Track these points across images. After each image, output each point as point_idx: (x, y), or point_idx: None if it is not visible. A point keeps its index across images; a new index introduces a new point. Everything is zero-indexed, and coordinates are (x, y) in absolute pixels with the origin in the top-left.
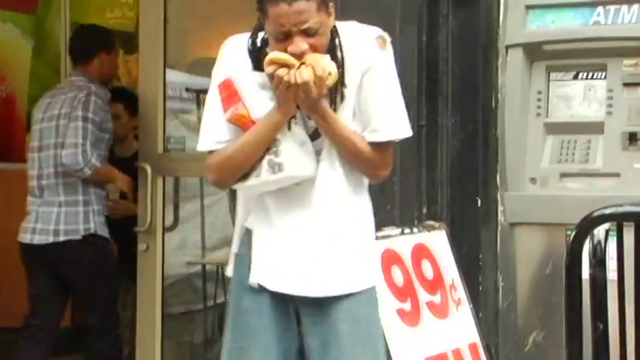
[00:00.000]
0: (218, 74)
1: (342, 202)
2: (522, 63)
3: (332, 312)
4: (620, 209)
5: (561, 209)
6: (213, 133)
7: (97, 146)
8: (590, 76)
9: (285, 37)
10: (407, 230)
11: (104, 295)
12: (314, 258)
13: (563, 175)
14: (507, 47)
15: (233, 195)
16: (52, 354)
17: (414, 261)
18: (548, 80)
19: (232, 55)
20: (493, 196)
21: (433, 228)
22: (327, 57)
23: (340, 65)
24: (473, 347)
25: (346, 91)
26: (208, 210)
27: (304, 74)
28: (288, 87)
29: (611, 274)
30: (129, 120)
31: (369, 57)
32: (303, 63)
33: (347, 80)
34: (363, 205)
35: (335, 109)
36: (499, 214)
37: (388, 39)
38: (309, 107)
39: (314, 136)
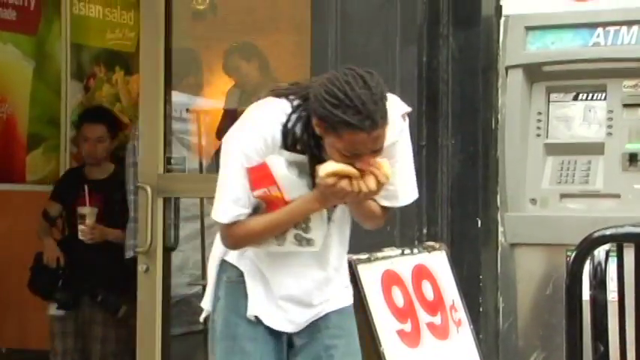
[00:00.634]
0: (245, 146)
1: (338, 253)
2: (522, 84)
3: (322, 329)
4: (620, 230)
5: (561, 230)
6: (236, 207)
7: None
8: (590, 97)
9: (355, 156)
10: (407, 251)
11: None
12: (310, 297)
13: (564, 195)
14: (507, 68)
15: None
16: None
17: (414, 282)
18: (548, 101)
19: (263, 131)
20: (493, 216)
21: (433, 249)
22: (386, 161)
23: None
24: None
25: None
26: (208, 231)
27: (371, 185)
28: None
29: (612, 294)
30: (111, 142)
31: (397, 132)
32: (363, 171)
33: None
34: (346, 236)
35: None
36: (499, 234)
37: (409, 111)
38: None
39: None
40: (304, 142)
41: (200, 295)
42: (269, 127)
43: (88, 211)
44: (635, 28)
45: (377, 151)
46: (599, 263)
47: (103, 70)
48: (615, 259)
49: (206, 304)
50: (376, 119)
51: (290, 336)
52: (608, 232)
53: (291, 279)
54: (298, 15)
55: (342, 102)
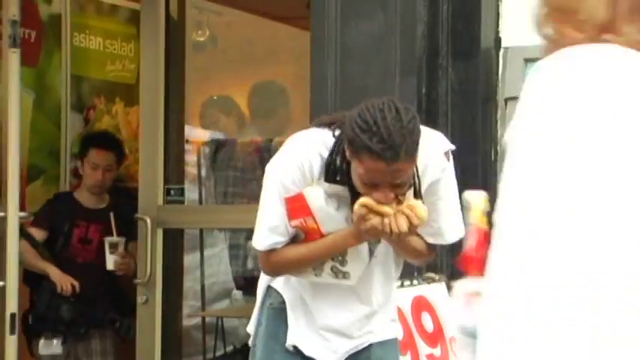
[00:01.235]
0: (282, 175)
1: (382, 288)
2: None
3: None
4: None
5: None
6: (273, 236)
7: None
8: None
9: (373, 185)
10: (407, 282)
11: None
12: (351, 329)
13: None
14: (507, 100)
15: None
16: None
17: (414, 313)
18: None
19: (300, 161)
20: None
21: (433, 280)
22: (420, 203)
23: (416, 176)
24: None
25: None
26: (208, 262)
27: (402, 226)
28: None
29: None
30: (116, 171)
31: (439, 170)
32: (398, 210)
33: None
34: (396, 272)
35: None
36: None
37: (452, 150)
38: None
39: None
40: (344, 172)
41: (199, 327)
42: (307, 157)
43: (119, 241)
44: None
45: (397, 185)
46: None
47: (103, 102)
48: None
49: (250, 328)
50: (399, 152)
51: None
52: None
53: (332, 309)
54: (298, 47)
55: (370, 127)
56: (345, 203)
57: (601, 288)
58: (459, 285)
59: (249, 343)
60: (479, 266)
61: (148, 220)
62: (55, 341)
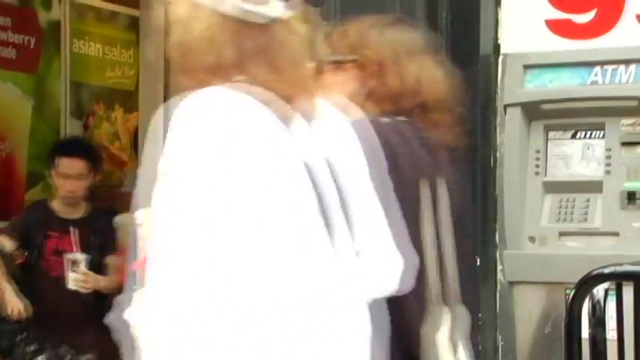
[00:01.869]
0: None
1: None
2: (521, 122)
3: None
4: (619, 269)
5: (560, 268)
6: None
7: None
8: (588, 135)
9: None
10: None
11: None
12: None
13: (562, 234)
14: (506, 106)
15: None
16: None
17: None
18: (547, 139)
19: None
20: (492, 254)
21: None
22: None
23: None
24: None
25: None
26: None
27: None
28: None
29: (611, 333)
30: (93, 179)
31: None
32: None
33: None
34: None
35: None
36: (498, 273)
37: None
38: None
39: None
40: None
41: None
42: None
43: (81, 258)
44: (632, 66)
45: None
46: (598, 302)
47: (102, 108)
48: (614, 297)
49: None
50: None
51: None
52: (606, 270)
53: None
54: None
55: None
56: None
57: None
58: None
59: None
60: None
61: None
62: None
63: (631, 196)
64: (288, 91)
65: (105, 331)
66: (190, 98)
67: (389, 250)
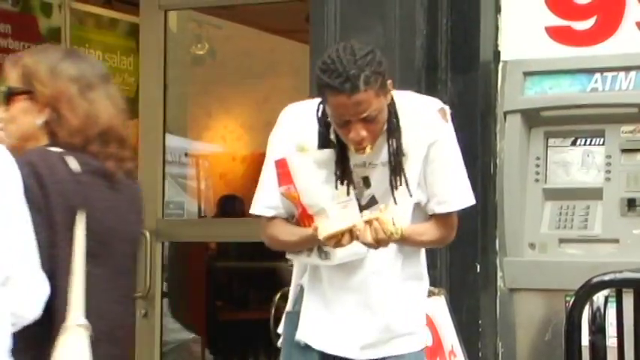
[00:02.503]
0: (276, 143)
1: (395, 272)
2: (521, 129)
3: None
4: (619, 275)
5: (560, 275)
6: (266, 200)
7: None
8: (588, 142)
9: (345, 124)
10: None
11: None
12: (363, 323)
13: (562, 240)
14: (506, 113)
15: None
16: None
17: None
18: (547, 146)
19: (292, 127)
20: (492, 261)
21: (432, 294)
22: (390, 219)
23: (398, 138)
24: None
25: (410, 162)
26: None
27: (366, 237)
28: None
29: (611, 340)
30: None
31: (435, 130)
32: (368, 221)
33: (410, 152)
34: (415, 269)
35: (395, 187)
36: (498, 279)
37: (448, 110)
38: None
39: (369, 204)
40: (328, 133)
41: (199, 340)
42: (294, 126)
43: None
44: (632, 73)
45: (367, 121)
46: (599, 309)
47: None
48: (614, 304)
49: (280, 329)
50: (357, 83)
51: None
52: (606, 277)
53: (348, 295)
54: (297, 60)
55: (328, 67)
56: (332, 173)
57: None
58: None
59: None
60: None
61: (147, 234)
62: None
63: (631, 203)
64: None
65: None
66: None
67: (35, 276)
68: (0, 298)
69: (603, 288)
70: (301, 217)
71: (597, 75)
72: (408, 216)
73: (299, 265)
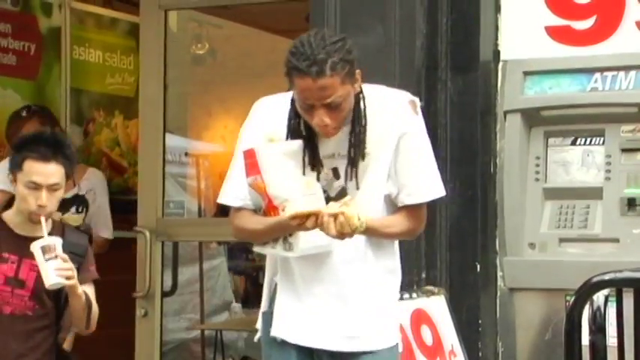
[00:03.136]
0: (246, 134)
1: (366, 263)
2: (521, 128)
3: None
4: (619, 275)
5: (560, 274)
6: (234, 190)
7: None
8: (588, 142)
9: (309, 108)
10: (406, 295)
11: None
12: (337, 314)
13: (562, 240)
14: (505, 113)
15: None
16: None
17: (413, 327)
18: (547, 145)
19: (262, 119)
20: (492, 261)
21: (432, 293)
22: (356, 213)
23: (363, 131)
24: None
25: (376, 152)
26: (207, 275)
27: (330, 230)
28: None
29: (611, 339)
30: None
31: (404, 122)
32: (334, 214)
33: (380, 142)
34: (387, 262)
35: (356, 173)
36: (498, 279)
37: (418, 103)
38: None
39: (339, 196)
40: (298, 124)
41: (199, 340)
42: (265, 114)
43: (54, 242)
44: (632, 73)
45: (331, 107)
46: (599, 308)
47: (102, 115)
48: (614, 303)
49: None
50: (323, 67)
51: None
52: (607, 277)
53: (317, 286)
54: None
55: (297, 49)
56: (300, 165)
57: None
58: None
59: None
60: None
61: (147, 233)
62: None
63: (631, 203)
64: None
65: None
66: None
67: None
68: None
69: (603, 287)
70: (267, 208)
71: (597, 74)
72: (378, 208)
73: (271, 263)
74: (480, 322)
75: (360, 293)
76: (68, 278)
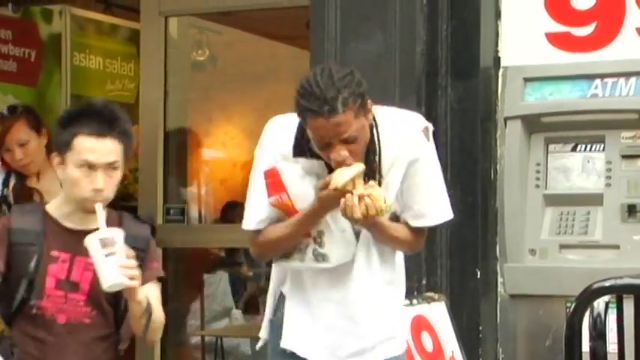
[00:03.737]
0: (262, 156)
1: (374, 279)
2: (521, 135)
3: None
4: (619, 281)
5: (561, 281)
6: (256, 214)
7: None
8: (588, 148)
9: (326, 146)
10: (406, 302)
11: None
12: (347, 333)
13: (563, 246)
14: (506, 119)
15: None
16: None
17: (413, 333)
18: (547, 152)
19: (277, 139)
20: (493, 267)
21: (433, 300)
22: (383, 196)
23: (377, 160)
24: None
25: (389, 178)
26: (207, 281)
27: (356, 212)
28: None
29: (612, 346)
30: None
31: (416, 149)
32: (360, 196)
33: (392, 168)
34: (394, 275)
35: None
36: (499, 285)
37: (431, 128)
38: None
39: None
40: (311, 147)
41: (199, 346)
42: (279, 135)
43: (116, 234)
44: (632, 79)
45: (348, 142)
46: (599, 314)
47: None
48: (615, 310)
49: (262, 333)
50: (334, 104)
51: None
52: (607, 283)
53: (329, 304)
54: (297, 66)
55: (306, 90)
56: (322, 177)
57: None
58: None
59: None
60: None
61: None
62: None
63: (631, 209)
64: None
65: None
66: None
67: None
68: None
69: (604, 294)
70: None
71: (597, 81)
72: None
73: (278, 273)
74: (480, 328)
75: (369, 312)
76: (131, 278)
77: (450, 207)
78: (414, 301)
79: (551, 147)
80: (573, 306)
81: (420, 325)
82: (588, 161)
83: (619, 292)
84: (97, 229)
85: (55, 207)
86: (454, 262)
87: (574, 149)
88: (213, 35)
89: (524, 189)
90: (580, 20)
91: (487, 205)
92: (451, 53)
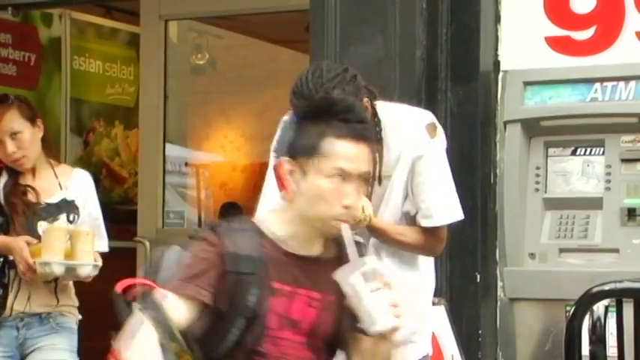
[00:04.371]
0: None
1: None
2: (521, 139)
3: None
4: (619, 285)
5: (560, 285)
6: (268, 206)
7: None
8: (588, 152)
9: None
10: None
11: None
12: None
13: (562, 250)
14: (506, 123)
15: None
16: None
17: None
18: (547, 156)
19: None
20: (492, 271)
21: (432, 303)
22: (366, 203)
23: (379, 155)
24: None
25: (394, 173)
26: None
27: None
28: None
29: (611, 350)
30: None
31: (421, 145)
32: None
33: (397, 164)
34: (413, 278)
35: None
36: (498, 289)
37: (439, 126)
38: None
39: None
40: None
41: None
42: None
43: (375, 264)
44: (632, 83)
45: None
46: (599, 318)
47: (102, 125)
48: (614, 314)
49: None
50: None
51: None
52: (607, 287)
53: None
54: (297, 69)
55: (297, 89)
56: None
57: None
58: None
59: None
60: None
61: (147, 243)
62: None
63: (631, 213)
64: None
65: None
66: None
67: None
68: None
69: (603, 298)
70: None
71: (597, 85)
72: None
73: None
74: (480, 332)
75: None
76: (397, 317)
77: (459, 207)
78: None
79: (551, 151)
80: (573, 310)
81: None
82: (588, 165)
83: (619, 296)
84: (319, 257)
85: (274, 225)
86: (454, 266)
87: (574, 153)
88: (213, 39)
89: (524, 193)
90: (580, 24)
91: (487, 208)
92: (451, 57)
